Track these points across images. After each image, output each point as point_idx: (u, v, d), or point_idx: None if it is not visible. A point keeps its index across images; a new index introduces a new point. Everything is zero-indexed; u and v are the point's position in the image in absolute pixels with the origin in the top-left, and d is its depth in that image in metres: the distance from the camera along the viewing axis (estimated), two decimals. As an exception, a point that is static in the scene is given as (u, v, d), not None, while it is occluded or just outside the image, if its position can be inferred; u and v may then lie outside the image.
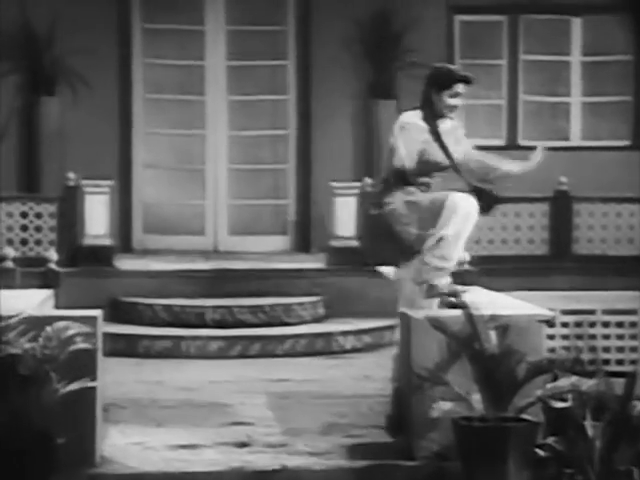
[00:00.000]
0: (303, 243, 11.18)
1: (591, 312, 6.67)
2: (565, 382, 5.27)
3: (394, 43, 10.82)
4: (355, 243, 9.65)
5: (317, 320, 9.21)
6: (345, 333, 8.87)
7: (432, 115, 5.75)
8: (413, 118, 5.79)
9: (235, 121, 11.26)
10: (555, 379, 5.41)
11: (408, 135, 5.68)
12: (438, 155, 5.76)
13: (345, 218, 9.63)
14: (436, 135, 5.75)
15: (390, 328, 9.04)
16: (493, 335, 5.40)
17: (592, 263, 9.57)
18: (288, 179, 11.29)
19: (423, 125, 5.76)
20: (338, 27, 10.96)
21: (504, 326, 5.48)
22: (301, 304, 9.16)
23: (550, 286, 9.41)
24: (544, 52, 11.29)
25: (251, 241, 11.13)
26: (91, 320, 5.07)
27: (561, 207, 9.67)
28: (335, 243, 9.69)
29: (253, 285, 9.40)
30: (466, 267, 8.63)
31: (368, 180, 9.78)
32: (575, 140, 11.33)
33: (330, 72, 11.09)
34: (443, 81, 5.71)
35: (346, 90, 11.10)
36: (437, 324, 5.36)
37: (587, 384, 5.26)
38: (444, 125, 5.81)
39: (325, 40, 11.05)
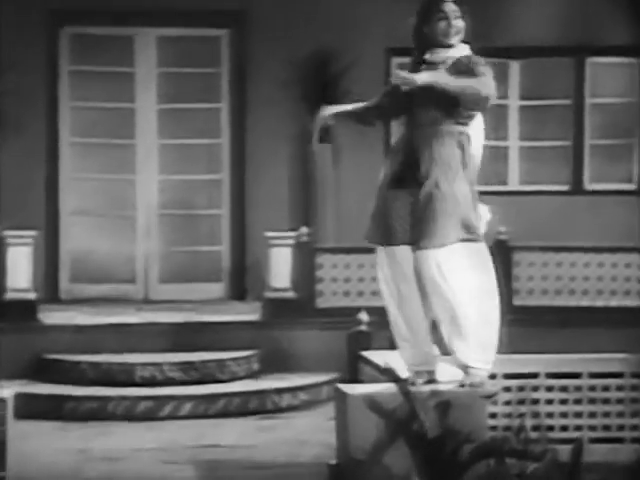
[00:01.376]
0: (238, 291, 10.76)
1: (534, 376, 6.38)
2: (511, 464, 4.96)
3: (332, 85, 10.46)
4: (291, 295, 9.30)
5: (251, 376, 8.70)
6: (280, 391, 8.36)
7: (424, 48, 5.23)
8: None
9: (167, 165, 10.75)
10: (501, 458, 5.09)
11: None
12: None
13: (280, 269, 9.23)
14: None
15: (328, 383, 8.68)
16: (433, 413, 5.06)
17: (533, 314, 9.29)
18: (222, 225, 10.89)
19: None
20: (274, 68, 10.57)
21: (445, 403, 5.14)
22: (235, 359, 8.67)
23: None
24: (482, 96, 10.99)
25: (184, 289, 10.66)
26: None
27: (501, 258, 9.36)
28: (270, 295, 9.27)
29: (185, 339, 8.96)
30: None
31: (304, 229, 9.43)
32: (513, 185, 11.08)
33: (266, 114, 10.71)
34: (425, 10, 5.20)
35: (282, 133, 10.70)
36: (371, 404, 4.98)
37: (533, 466, 4.95)
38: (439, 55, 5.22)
39: (260, 81, 10.66)
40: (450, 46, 5.18)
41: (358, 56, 10.19)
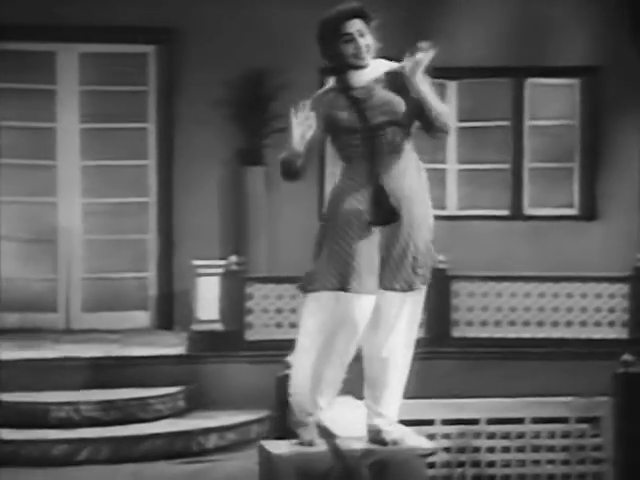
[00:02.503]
0: (166, 320, 10.14)
1: (475, 422, 5.93)
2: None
3: (264, 106, 9.93)
4: (219, 327, 8.74)
5: (177, 414, 8.04)
6: (207, 431, 7.73)
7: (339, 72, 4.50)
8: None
9: (90, 188, 10.02)
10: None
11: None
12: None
13: (208, 299, 8.67)
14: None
15: (257, 422, 8.14)
16: (368, 474, 4.55)
17: (473, 347, 8.83)
18: (149, 251, 10.26)
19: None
20: (204, 87, 9.96)
21: (381, 463, 4.63)
22: (159, 397, 8.04)
23: (431, 374, 8.64)
24: (419, 117, 10.54)
25: (108, 318, 10.01)
26: None
27: (440, 287, 8.89)
28: (197, 327, 8.67)
29: (105, 375, 8.34)
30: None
31: (233, 258, 8.87)
32: (452, 209, 10.63)
33: (195, 136, 10.11)
34: (326, 33, 4.41)
35: (213, 155, 10.12)
36: (298, 468, 4.46)
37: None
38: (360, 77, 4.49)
39: (190, 101, 10.06)
40: (364, 67, 4.48)
41: (291, 76, 9.67)
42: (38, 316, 9.79)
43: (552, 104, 10.55)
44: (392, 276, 4.43)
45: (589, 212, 10.44)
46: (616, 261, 10.03)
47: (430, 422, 5.93)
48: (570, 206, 10.52)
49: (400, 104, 4.46)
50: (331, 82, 4.56)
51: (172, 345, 8.91)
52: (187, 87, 9.96)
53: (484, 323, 8.82)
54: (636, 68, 10.38)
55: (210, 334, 8.52)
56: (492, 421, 5.89)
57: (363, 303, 4.43)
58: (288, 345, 8.95)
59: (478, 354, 8.67)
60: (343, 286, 4.41)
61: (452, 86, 10.50)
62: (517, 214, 10.49)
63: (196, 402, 8.27)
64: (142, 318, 10.04)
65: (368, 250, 4.42)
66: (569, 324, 8.84)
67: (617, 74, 10.39)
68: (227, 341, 8.54)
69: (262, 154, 9.79)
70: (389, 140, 4.44)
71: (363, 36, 4.48)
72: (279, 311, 8.69)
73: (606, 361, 8.63)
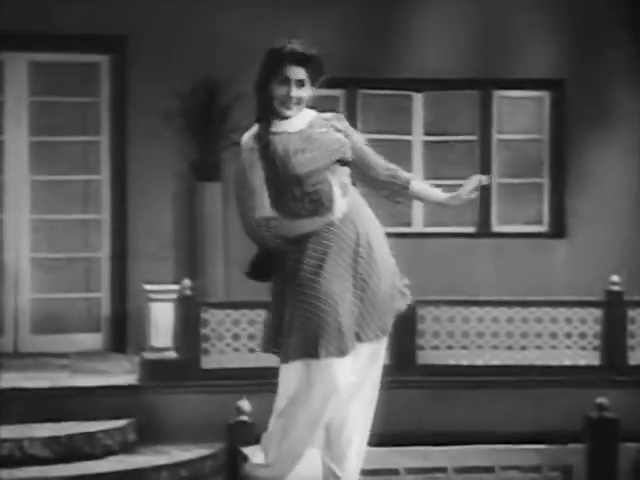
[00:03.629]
0: (118, 342, 9.62)
1: (442, 470, 5.48)
2: None
3: (220, 118, 9.40)
4: (173, 355, 8.23)
5: (126, 449, 7.47)
6: (158, 469, 7.21)
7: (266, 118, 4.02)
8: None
9: (39, 204, 9.39)
10: None
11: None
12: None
13: (161, 326, 8.17)
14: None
15: (212, 457, 7.65)
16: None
17: (439, 375, 8.36)
18: (102, 269, 9.70)
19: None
20: (158, 98, 9.37)
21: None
22: (107, 431, 7.52)
23: (395, 404, 8.19)
24: (384, 130, 10.10)
25: (58, 340, 9.42)
26: None
27: (404, 312, 8.40)
28: (149, 355, 8.16)
29: (52, 407, 7.81)
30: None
31: (187, 282, 8.34)
32: (417, 226, 10.18)
33: (149, 149, 9.55)
34: (267, 67, 3.98)
35: (167, 170, 9.54)
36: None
37: None
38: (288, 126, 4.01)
39: (143, 113, 9.49)
40: (286, 117, 4.02)
41: (248, 86, 9.13)
42: (-16, 338, 9.25)
43: (520, 117, 10.11)
44: (365, 326, 3.98)
45: (558, 229, 10.02)
46: (586, 280, 9.61)
47: (395, 471, 5.49)
48: (539, 223, 10.10)
49: (345, 144, 4.03)
50: (255, 127, 4.07)
51: (124, 372, 8.38)
52: (140, 98, 9.42)
53: (450, 350, 8.37)
54: (605, 81, 9.98)
55: (164, 362, 7.99)
56: (460, 470, 5.44)
57: (342, 367, 3.95)
58: (246, 373, 8.48)
59: (444, 382, 8.21)
60: (315, 352, 3.91)
61: (417, 98, 10.04)
62: (484, 231, 10.06)
63: (147, 435, 7.73)
64: (94, 340, 9.50)
65: (342, 307, 3.94)
66: (538, 348, 8.39)
67: (588, 86, 9.98)
68: (182, 370, 8.02)
69: (218, 169, 9.29)
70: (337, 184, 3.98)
71: (301, 87, 4.00)
72: (236, 337, 8.19)
73: (578, 389, 8.25)
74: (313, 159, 3.99)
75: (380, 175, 4.18)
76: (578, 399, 8.22)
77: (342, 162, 4.03)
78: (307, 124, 4.07)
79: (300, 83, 3.99)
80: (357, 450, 4.18)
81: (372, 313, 3.99)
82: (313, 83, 4.03)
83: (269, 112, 4.03)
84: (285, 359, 3.99)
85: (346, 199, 3.99)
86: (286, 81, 3.97)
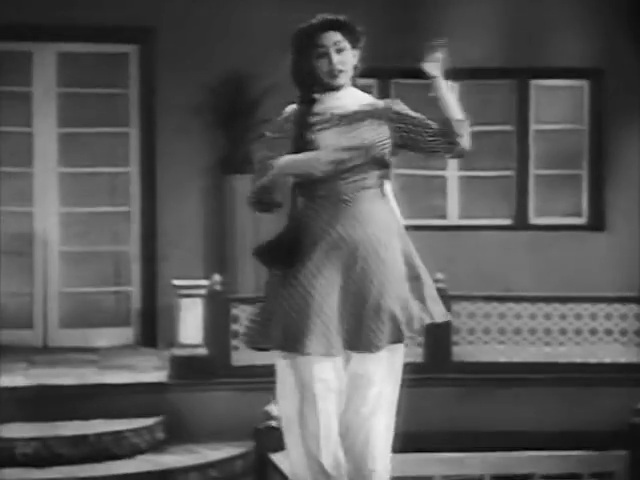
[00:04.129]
0: (149, 337, 9.45)
1: (479, 478, 5.26)
2: None
3: (249, 111, 9.17)
4: (202, 351, 8.05)
5: (155, 448, 7.25)
6: (187, 470, 6.98)
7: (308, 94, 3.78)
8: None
9: (68, 196, 9.23)
10: None
11: None
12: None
13: (190, 323, 7.98)
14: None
15: (243, 456, 7.47)
16: None
17: (474, 372, 8.13)
18: (131, 263, 9.49)
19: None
20: (187, 92, 9.19)
21: None
22: (135, 430, 7.33)
23: (429, 402, 7.98)
24: (418, 120, 9.83)
25: (88, 334, 9.23)
26: None
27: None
28: (178, 352, 7.91)
29: (79, 405, 7.63)
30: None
31: (217, 277, 8.16)
32: (452, 219, 9.92)
33: (178, 142, 9.34)
34: (299, 42, 3.74)
35: (196, 163, 9.34)
36: None
37: None
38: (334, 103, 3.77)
39: (172, 106, 9.28)
40: (338, 88, 3.78)
41: (277, 80, 8.94)
42: (13, 333, 9.06)
43: (558, 107, 9.83)
44: (360, 335, 3.70)
45: (597, 222, 9.74)
46: (626, 275, 9.36)
47: (429, 479, 5.28)
48: (577, 215, 9.83)
49: (383, 142, 3.77)
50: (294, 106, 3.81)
51: (154, 368, 8.20)
52: (169, 90, 9.22)
53: (486, 346, 8.13)
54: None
55: (193, 359, 7.80)
56: (498, 477, 5.21)
57: (323, 367, 3.70)
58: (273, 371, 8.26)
59: (480, 380, 7.98)
60: (296, 347, 3.66)
61: (453, 87, 9.77)
62: (521, 224, 9.80)
63: (176, 434, 7.55)
64: (124, 335, 9.35)
65: (328, 304, 3.69)
66: (577, 344, 8.14)
67: (628, 75, 9.69)
68: (212, 367, 7.83)
69: (247, 162, 9.06)
70: (359, 181, 3.76)
71: (340, 52, 3.76)
72: (267, 334, 7.98)
73: (618, 387, 7.99)
74: (342, 160, 3.73)
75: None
76: (618, 398, 7.97)
77: (377, 162, 3.81)
78: (353, 110, 3.81)
79: (338, 48, 3.76)
80: (381, 464, 3.92)
81: (366, 322, 3.70)
82: (354, 46, 3.79)
83: (314, 85, 3.79)
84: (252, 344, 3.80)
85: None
86: (324, 53, 3.74)
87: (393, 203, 3.89)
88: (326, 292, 3.69)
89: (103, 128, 9.28)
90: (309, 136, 3.74)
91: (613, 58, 9.63)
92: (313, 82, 3.79)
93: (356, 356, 3.75)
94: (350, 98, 3.83)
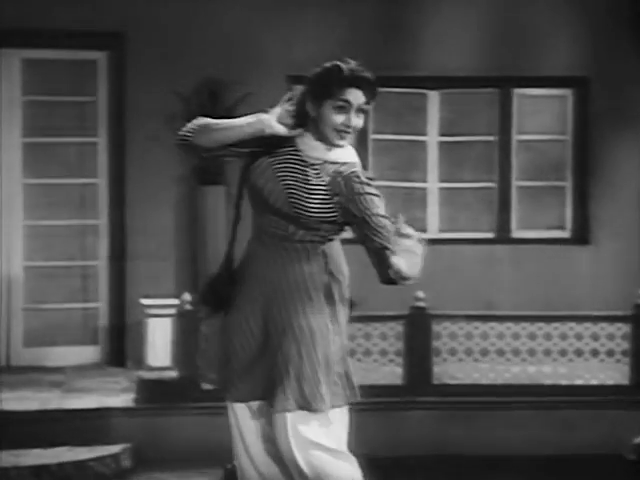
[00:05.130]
0: (117, 355, 9.01)
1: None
2: None
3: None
4: (172, 374, 7.66)
5: (121, 478, 6.85)
6: (154, 500, 6.85)
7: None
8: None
9: (33, 209, 8.85)
10: None
11: None
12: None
13: (159, 344, 7.59)
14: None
15: (213, 485, 7.09)
16: None
17: (456, 395, 7.78)
18: (99, 278, 9.09)
19: None
20: (158, 99, 8.80)
21: None
22: (99, 459, 6.94)
23: (408, 427, 7.64)
24: (397, 130, 9.51)
25: (53, 353, 8.81)
26: None
27: (418, 328, 7.82)
28: (147, 375, 7.51)
29: (42, 432, 7.25)
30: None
31: (187, 296, 7.77)
32: (433, 232, 9.59)
33: (149, 152, 8.94)
34: (324, 84, 3.43)
35: (168, 173, 8.94)
36: None
37: None
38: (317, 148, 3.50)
39: (142, 114, 8.90)
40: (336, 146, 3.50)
41: (253, 87, 8.59)
42: (-26, 352, 8.71)
43: (542, 117, 9.49)
44: (275, 390, 3.47)
45: (582, 235, 9.41)
46: (611, 291, 9.04)
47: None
48: (561, 228, 9.50)
49: (323, 210, 3.47)
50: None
51: (121, 390, 7.80)
52: (140, 98, 8.85)
53: (468, 368, 7.78)
54: (632, 79, 9.37)
55: (162, 383, 7.41)
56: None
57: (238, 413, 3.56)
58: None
59: (462, 403, 7.63)
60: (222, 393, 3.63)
61: (433, 96, 9.45)
62: (503, 237, 9.47)
63: (144, 462, 7.15)
64: (91, 353, 8.95)
65: (248, 349, 3.52)
66: (563, 369, 7.80)
67: (613, 84, 9.37)
68: (181, 390, 7.45)
69: (222, 172, 8.73)
70: (290, 230, 3.49)
71: (359, 114, 3.47)
72: (239, 355, 7.61)
73: (605, 410, 7.66)
74: (276, 199, 3.49)
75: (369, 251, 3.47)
76: (606, 420, 7.66)
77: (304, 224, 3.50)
78: (324, 162, 3.52)
79: (360, 109, 3.46)
80: None
81: (283, 378, 3.47)
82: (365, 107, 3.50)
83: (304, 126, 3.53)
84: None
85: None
86: (345, 107, 3.44)
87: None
88: (245, 338, 3.53)
89: (70, 138, 8.90)
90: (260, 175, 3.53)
91: (598, 66, 9.31)
92: (309, 126, 3.51)
93: (272, 413, 3.52)
94: (330, 153, 3.53)
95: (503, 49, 9.30)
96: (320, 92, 3.44)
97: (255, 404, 3.53)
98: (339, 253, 3.59)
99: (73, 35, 8.82)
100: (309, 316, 3.49)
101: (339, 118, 3.44)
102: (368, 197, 3.44)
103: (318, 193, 3.46)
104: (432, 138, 9.41)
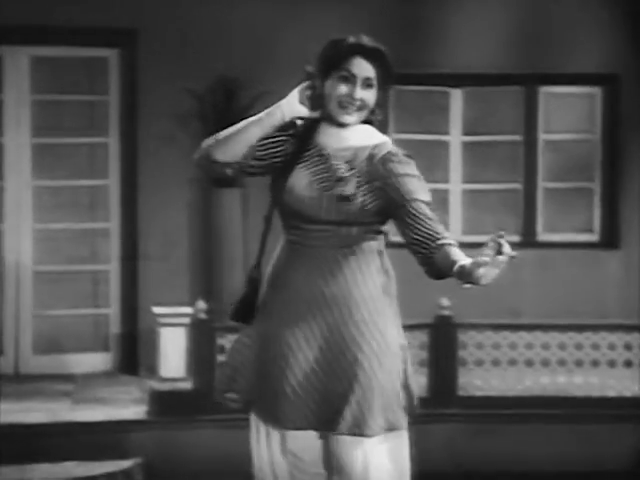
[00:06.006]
0: (129, 363, 8.71)
1: None
2: None
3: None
4: (186, 385, 7.35)
5: (133, 494, 6.85)
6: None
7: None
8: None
9: (43, 212, 8.53)
10: None
11: None
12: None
13: (172, 354, 7.28)
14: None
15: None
16: None
17: (482, 408, 7.44)
18: (111, 284, 8.75)
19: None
20: (171, 98, 8.50)
21: None
22: (111, 475, 6.68)
23: (432, 441, 7.30)
24: (419, 130, 9.17)
25: (63, 361, 8.53)
26: None
27: (444, 338, 7.48)
28: (159, 386, 7.23)
29: (50, 445, 6.94)
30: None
31: (202, 304, 7.45)
32: (455, 235, 9.25)
33: (162, 152, 8.66)
34: (328, 55, 3.20)
35: (181, 175, 8.60)
36: None
37: None
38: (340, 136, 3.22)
39: (155, 114, 8.59)
40: (343, 125, 3.20)
41: (268, 85, 8.26)
42: (-18, 359, 8.42)
43: (569, 116, 9.14)
44: (336, 414, 3.16)
45: (611, 239, 9.07)
46: (642, 296, 8.72)
47: None
48: (590, 232, 9.17)
49: (373, 201, 3.17)
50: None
51: (133, 401, 7.50)
52: (152, 97, 8.54)
53: (495, 379, 7.44)
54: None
55: (176, 394, 7.10)
56: None
57: (295, 440, 3.21)
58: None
59: (488, 416, 7.30)
60: (271, 421, 3.20)
61: (456, 94, 9.12)
62: (529, 240, 9.14)
63: (157, 477, 6.88)
64: (102, 360, 8.65)
65: (299, 369, 3.18)
66: (595, 380, 7.46)
67: (643, 82, 9.03)
68: (196, 402, 7.13)
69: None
70: (343, 234, 3.18)
71: (367, 89, 3.16)
72: (256, 366, 7.30)
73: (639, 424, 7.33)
74: (319, 208, 3.18)
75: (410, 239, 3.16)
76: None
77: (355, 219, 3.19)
78: (354, 150, 3.20)
79: (367, 83, 3.17)
80: None
81: (344, 402, 3.15)
82: (381, 87, 3.20)
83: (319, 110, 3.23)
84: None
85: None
86: (350, 79, 3.16)
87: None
88: (296, 358, 3.18)
89: (80, 138, 8.59)
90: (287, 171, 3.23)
91: (629, 63, 8.96)
92: (318, 104, 3.22)
93: (335, 439, 3.20)
94: (357, 135, 3.22)
95: (529, 45, 8.97)
96: (325, 64, 3.19)
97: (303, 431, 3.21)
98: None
99: (83, 31, 8.54)
100: (381, 326, 3.19)
101: (342, 89, 3.16)
102: (407, 179, 3.15)
103: (359, 184, 3.17)
104: (455, 138, 9.10)
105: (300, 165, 3.22)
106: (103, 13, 8.51)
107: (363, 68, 3.15)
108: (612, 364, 7.36)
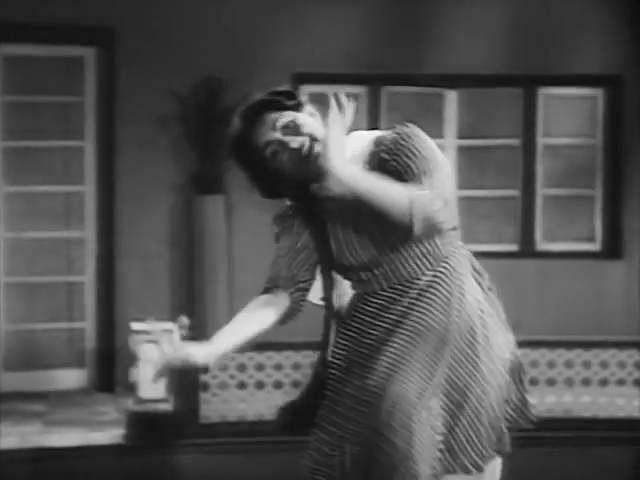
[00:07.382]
0: (106, 379, 8.21)
1: None
2: None
3: (223, 123, 8.07)
4: (166, 407, 6.84)
5: (108, 526, 6.34)
6: None
7: None
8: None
9: (13, 220, 8.17)
10: None
11: None
12: None
13: (152, 373, 6.78)
14: None
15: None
16: None
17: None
18: (86, 296, 8.33)
19: None
20: (151, 100, 8.05)
21: None
22: (85, 505, 6.27)
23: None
24: (412, 134, 8.75)
25: (36, 378, 8.01)
26: None
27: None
28: (137, 408, 6.66)
29: (18, 473, 6.45)
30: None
31: (184, 319, 6.93)
32: (451, 244, 8.81)
33: (141, 157, 8.18)
34: (239, 147, 3.06)
35: (162, 181, 8.18)
36: None
37: None
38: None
39: (134, 116, 8.10)
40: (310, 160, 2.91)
41: (255, 86, 7.77)
42: (-50, 378, 7.92)
43: (570, 119, 8.76)
44: (458, 452, 2.92)
45: (613, 248, 8.66)
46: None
47: None
48: (591, 241, 8.75)
49: None
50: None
51: (109, 423, 6.99)
52: (131, 99, 8.08)
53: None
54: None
55: (155, 416, 6.59)
56: None
57: None
58: (252, 429, 7.12)
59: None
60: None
61: (451, 96, 8.67)
62: (528, 250, 8.71)
63: (135, 507, 6.41)
64: (77, 377, 8.16)
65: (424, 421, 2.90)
66: (603, 400, 6.99)
67: (647, 84, 8.63)
68: (177, 425, 6.64)
69: (221, 180, 7.97)
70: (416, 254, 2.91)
71: (287, 129, 2.86)
72: (242, 386, 6.80)
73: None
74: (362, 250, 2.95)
75: None
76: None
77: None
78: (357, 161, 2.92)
79: (285, 128, 2.88)
80: None
81: (471, 434, 2.91)
82: (298, 107, 2.90)
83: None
84: None
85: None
86: (269, 144, 2.90)
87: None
88: (412, 403, 2.88)
89: (55, 141, 8.13)
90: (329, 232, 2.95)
91: (633, 64, 8.55)
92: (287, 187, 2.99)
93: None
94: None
95: (527, 45, 8.56)
96: (247, 162, 2.96)
97: None
98: None
99: (58, 29, 8.05)
100: (487, 347, 2.93)
101: (281, 159, 2.90)
102: (424, 153, 2.89)
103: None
104: (450, 141, 8.67)
105: (330, 221, 2.94)
106: (79, 9, 8.07)
107: (270, 121, 2.90)
108: (621, 383, 6.89)
